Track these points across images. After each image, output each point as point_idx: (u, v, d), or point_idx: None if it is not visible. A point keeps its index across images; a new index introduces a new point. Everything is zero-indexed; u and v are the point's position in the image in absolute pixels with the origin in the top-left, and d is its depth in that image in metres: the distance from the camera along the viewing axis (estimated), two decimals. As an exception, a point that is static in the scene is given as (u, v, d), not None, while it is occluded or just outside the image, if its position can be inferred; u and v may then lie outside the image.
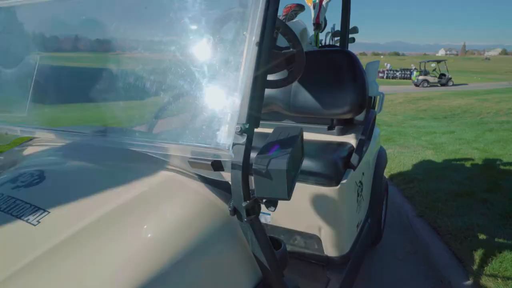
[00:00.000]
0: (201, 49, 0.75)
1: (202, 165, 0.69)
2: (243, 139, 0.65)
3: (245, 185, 0.68)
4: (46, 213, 0.72)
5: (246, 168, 0.67)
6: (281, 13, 3.09)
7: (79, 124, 1.03)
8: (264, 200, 0.71)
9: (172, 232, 0.69)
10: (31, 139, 1.11)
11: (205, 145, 0.66)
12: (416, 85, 19.34)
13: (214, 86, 0.72)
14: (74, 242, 0.66)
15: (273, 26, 0.70)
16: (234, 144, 0.65)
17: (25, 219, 0.70)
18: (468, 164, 4.14)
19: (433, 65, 21.70)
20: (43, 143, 1.04)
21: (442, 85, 19.31)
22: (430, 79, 19.42)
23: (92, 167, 0.88)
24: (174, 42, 0.79)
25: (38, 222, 0.70)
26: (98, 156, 0.90)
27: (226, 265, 0.75)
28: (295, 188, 0.72)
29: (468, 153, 4.56)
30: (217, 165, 0.68)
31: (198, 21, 0.72)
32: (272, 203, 0.71)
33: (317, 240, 1.52)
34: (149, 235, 0.69)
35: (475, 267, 2.07)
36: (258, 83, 0.67)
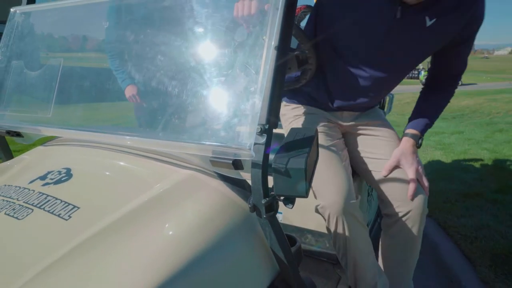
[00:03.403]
0: (222, 52, 0.78)
1: (223, 164, 0.72)
2: (263, 139, 0.69)
3: (264, 183, 0.71)
4: (76, 208, 0.76)
5: (265, 167, 0.70)
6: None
7: (102, 123, 1.08)
8: (282, 198, 0.74)
9: (196, 228, 0.72)
10: (53, 138, 1.16)
11: (227, 145, 0.70)
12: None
13: (235, 88, 0.75)
14: (103, 236, 0.70)
15: (290, 30, 0.73)
16: (254, 144, 0.68)
17: (57, 214, 0.74)
18: (477, 164, 4.13)
19: (442, 65, 21.45)
20: (66, 142, 1.09)
21: (451, 85, 19.11)
22: (438, 79, 19.19)
23: (116, 165, 0.92)
24: (197, 45, 0.83)
25: (70, 217, 0.74)
26: (121, 155, 0.94)
27: (246, 259, 0.79)
28: None
29: (478, 154, 4.54)
30: (238, 164, 0.71)
31: (221, 27, 0.75)
32: (290, 200, 0.74)
33: (328, 238, 1.54)
34: (173, 231, 0.72)
35: (485, 267, 2.08)
36: (277, 86, 0.70)
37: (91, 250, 0.67)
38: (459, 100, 10.89)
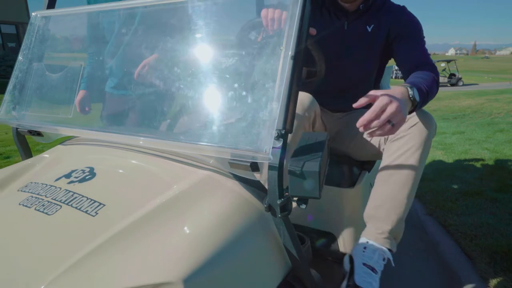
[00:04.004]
0: (243, 61, 0.83)
1: (240, 166, 0.77)
2: (279, 144, 0.73)
3: (280, 185, 0.76)
4: (102, 206, 0.81)
5: (281, 169, 0.75)
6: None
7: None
8: (295, 199, 0.79)
9: (213, 226, 0.77)
10: (71, 137, 1.21)
11: (246, 148, 0.74)
12: (426, 84, 19.17)
13: (254, 95, 0.80)
14: (128, 233, 0.75)
15: (305, 41, 0.78)
16: (272, 148, 0.73)
17: (85, 210, 0.79)
18: (478, 164, 4.17)
19: (443, 65, 21.46)
20: (85, 142, 1.14)
21: (452, 85, 19.13)
22: (440, 79, 19.19)
23: (136, 166, 0.97)
24: (217, 53, 0.87)
25: (96, 213, 0.79)
26: (140, 155, 0.99)
27: (261, 257, 0.83)
28: None
29: (478, 154, 4.58)
30: (255, 167, 0.76)
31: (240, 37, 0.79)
32: (303, 201, 0.79)
33: (333, 238, 1.59)
34: (192, 229, 0.77)
35: (484, 264, 2.12)
36: (293, 93, 0.75)
37: (117, 246, 0.72)
38: (460, 100, 10.91)
